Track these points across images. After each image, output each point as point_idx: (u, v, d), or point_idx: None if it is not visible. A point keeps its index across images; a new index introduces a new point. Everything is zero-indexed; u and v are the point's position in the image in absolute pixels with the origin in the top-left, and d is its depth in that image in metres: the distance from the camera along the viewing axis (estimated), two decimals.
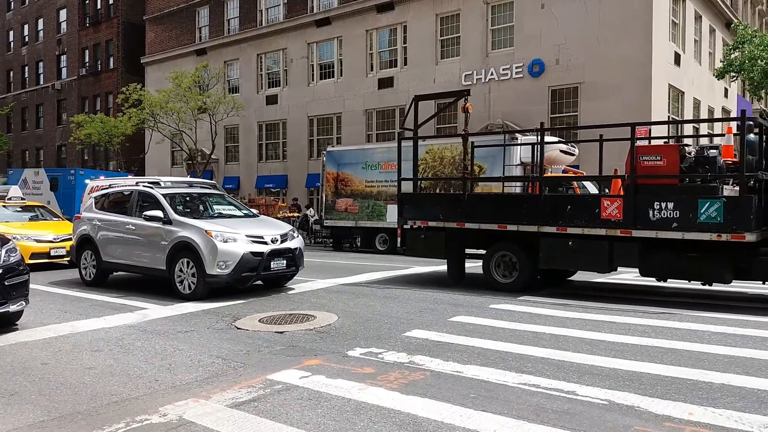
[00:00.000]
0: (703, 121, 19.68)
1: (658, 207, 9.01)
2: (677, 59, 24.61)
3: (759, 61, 24.77)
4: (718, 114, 29.40)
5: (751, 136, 9.44)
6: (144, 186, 11.30)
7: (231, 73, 35.92)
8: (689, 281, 9.96)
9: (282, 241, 10.15)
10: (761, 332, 7.20)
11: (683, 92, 25.30)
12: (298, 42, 32.36)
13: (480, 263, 11.28)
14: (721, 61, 27.59)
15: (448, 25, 27.16)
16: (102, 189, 12.90)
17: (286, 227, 10.87)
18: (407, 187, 12.48)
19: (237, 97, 33.28)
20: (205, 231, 9.60)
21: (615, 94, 22.17)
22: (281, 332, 7.24)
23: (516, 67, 24.85)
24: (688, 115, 25.65)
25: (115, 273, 11.87)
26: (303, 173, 31.98)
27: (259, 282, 10.70)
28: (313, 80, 32.15)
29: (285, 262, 10.12)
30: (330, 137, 31.20)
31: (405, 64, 28.56)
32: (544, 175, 11.19)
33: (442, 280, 11.98)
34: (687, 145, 10.52)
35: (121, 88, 32.60)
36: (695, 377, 5.31)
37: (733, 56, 26.20)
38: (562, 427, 4.14)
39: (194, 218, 10.26)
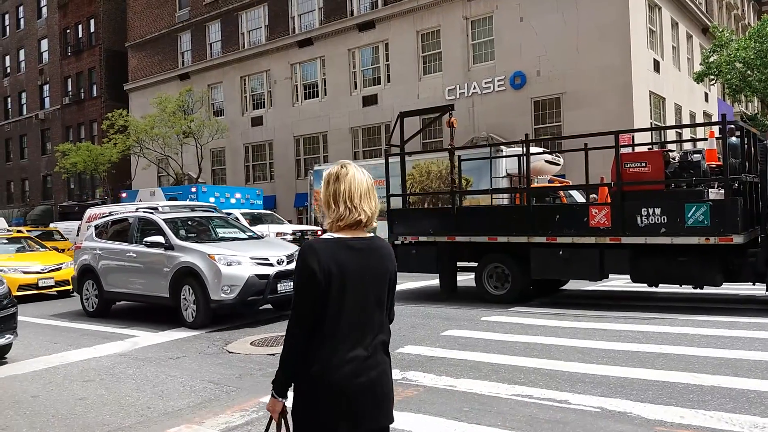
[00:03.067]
0: (686, 126, 19.88)
1: (645, 213, 9.08)
2: (656, 66, 24.95)
3: (737, 63, 25.18)
4: (699, 118, 29.74)
5: (733, 139, 9.59)
6: (144, 212, 11.08)
7: (215, 96, 35.99)
8: (680, 285, 10.01)
9: (288, 262, 9.65)
10: (750, 333, 7.25)
11: (664, 98, 25.61)
12: (281, 63, 32.52)
13: (473, 275, 11.29)
14: (700, 64, 27.97)
15: (429, 41, 27.41)
16: (102, 217, 12.67)
17: (292, 248, 10.36)
18: (396, 202, 12.50)
19: (222, 119, 33.33)
20: (208, 255, 9.28)
21: (597, 103, 22.41)
22: (273, 354, 7.21)
23: (498, 80, 25.07)
24: (670, 120, 25.94)
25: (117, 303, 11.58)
26: (291, 193, 31.97)
27: (268, 306, 10.31)
28: (297, 100, 32.27)
29: (292, 284, 9.87)
30: (317, 156, 31.24)
31: (388, 81, 28.75)
32: (531, 185, 11.27)
33: (434, 294, 11.97)
34: (671, 151, 10.65)
35: (106, 115, 32.53)
36: (686, 380, 5.34)
37: (711, 59, 26.56)
38: None
39: (196, 242, 9.99)
